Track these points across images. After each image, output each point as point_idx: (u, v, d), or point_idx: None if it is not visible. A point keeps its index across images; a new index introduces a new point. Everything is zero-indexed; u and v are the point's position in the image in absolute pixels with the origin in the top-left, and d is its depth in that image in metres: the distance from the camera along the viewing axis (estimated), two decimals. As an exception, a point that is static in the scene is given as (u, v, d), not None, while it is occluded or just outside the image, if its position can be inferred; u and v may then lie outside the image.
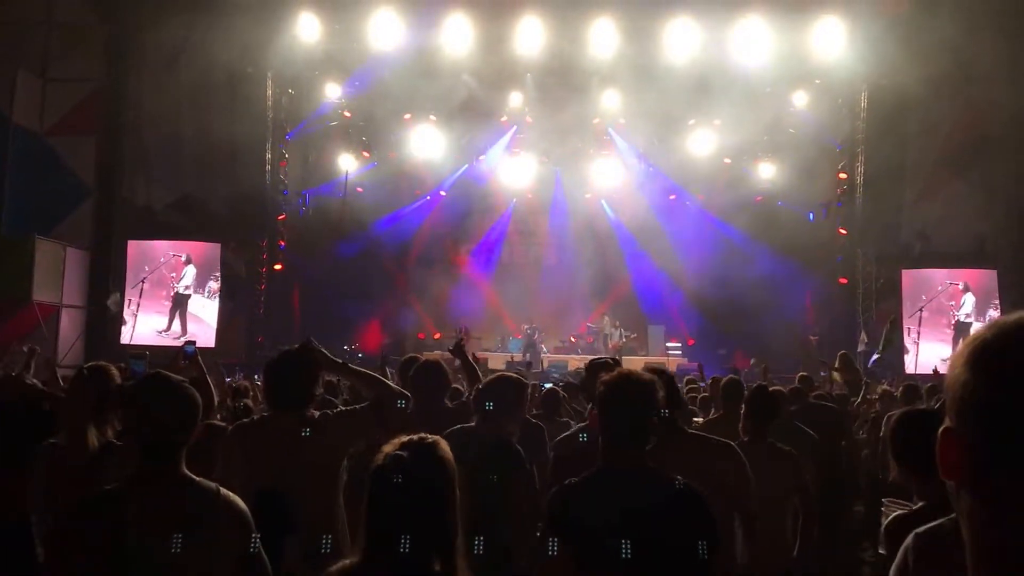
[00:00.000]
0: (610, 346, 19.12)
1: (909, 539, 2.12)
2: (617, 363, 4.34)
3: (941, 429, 1.01)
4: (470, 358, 5.29)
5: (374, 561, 2.07)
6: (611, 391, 2.76)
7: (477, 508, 3.54)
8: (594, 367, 4.23)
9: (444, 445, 2.18)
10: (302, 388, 3.55)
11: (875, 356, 15.91)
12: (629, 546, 2.49)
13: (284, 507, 3.17)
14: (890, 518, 2.86)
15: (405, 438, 2.17)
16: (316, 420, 3.53)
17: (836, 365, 11.52)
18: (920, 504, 2.80)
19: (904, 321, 17.45)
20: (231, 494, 2.66)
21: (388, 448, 2.15)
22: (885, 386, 9.55)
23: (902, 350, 17.27)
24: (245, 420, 3.83)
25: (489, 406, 3.99)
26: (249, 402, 5.94)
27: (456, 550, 2.10)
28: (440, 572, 2.06)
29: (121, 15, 17.63)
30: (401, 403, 3.79)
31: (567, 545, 2.58)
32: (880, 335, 15.91)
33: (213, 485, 2.65)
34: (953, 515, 2.08)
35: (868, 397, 8.61)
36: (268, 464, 3.33)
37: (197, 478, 2.65)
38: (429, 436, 2.19)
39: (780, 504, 4.45)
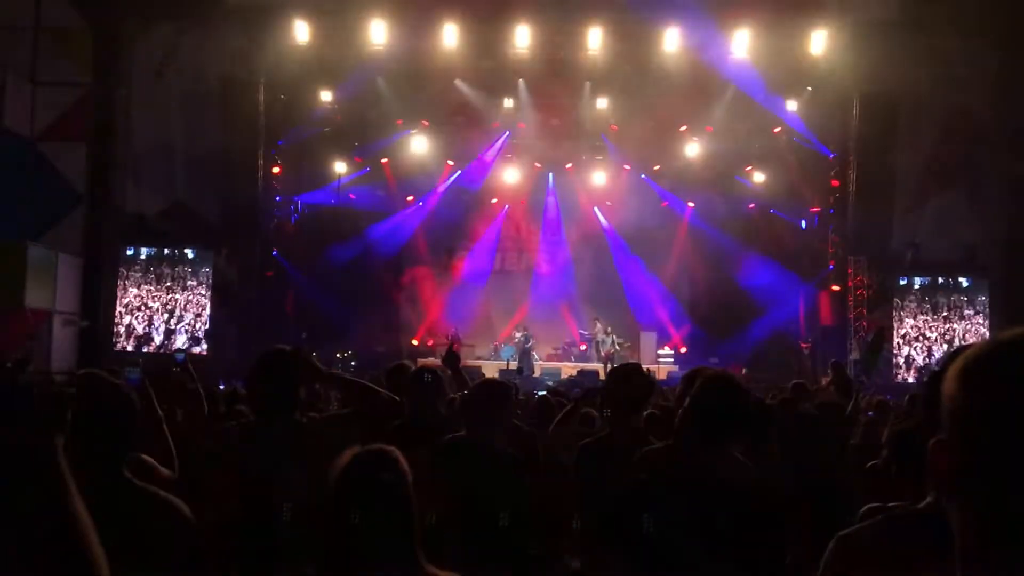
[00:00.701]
0: (602, 353, 19.12)
1: (832, 542, 2.14)
2: (644, 370, 4.35)
3: (934, 440, 1.05)
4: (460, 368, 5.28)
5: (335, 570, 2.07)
6: (710, 393, 2.75)
7: (475, 517, 3.55)
8: (623, 374, 4.24)
9: (399, 455, 2.18)
10: (287, 393, 3.50)
11: (852, 357, 16.01)
12: (695, 549, 2.50)
13: (274, 514, 3.15)
14: (863, 509, 2.87)
15: (360, 450, 2.16)
16: (306, 425, 3.50)
17: (828, 374, 11.56)
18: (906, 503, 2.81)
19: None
20: (172, 497, 2.64)
21: (343, 461, 2.15)
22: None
23: (889, 362, 17.33)
24: (232, 425, 3.78)
25: (474, 412, 3.97)
26: (244, 408, 5.90)
27: (417, 543, 2.11)
28: (407, 566, 2.07)
29: (111, 20, 17.57)
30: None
31: (630, 544, 2.59)
32: (866, 345, 15.99)
33: (153, 488, 2.61)
34: (881, 517, 2.14)
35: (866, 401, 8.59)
36: (258, 470, 3.30)
37: (139, 482, 2.63)
38: (388, 449, 2.18)
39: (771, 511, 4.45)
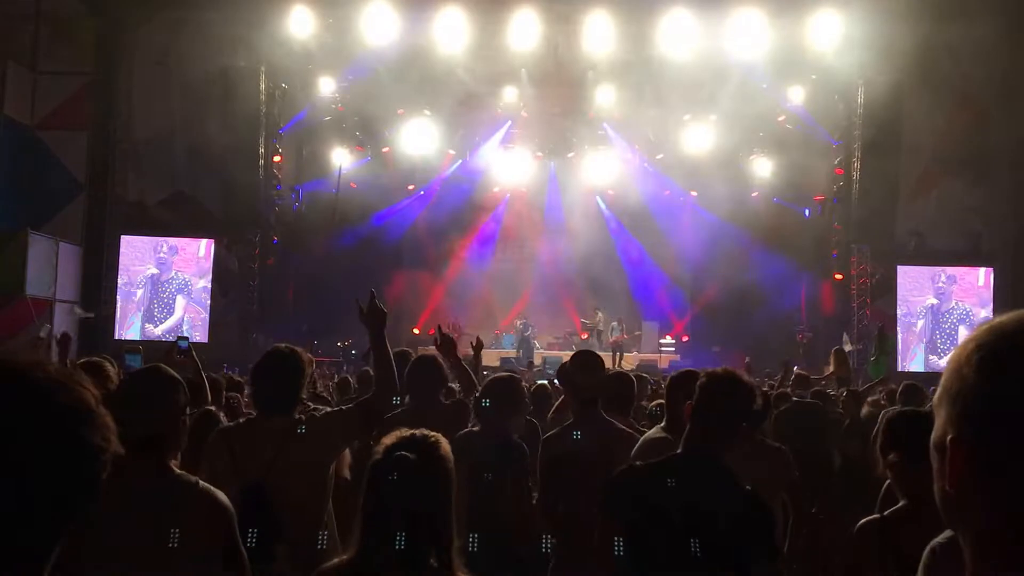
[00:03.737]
0: (611, 341, 19.07)
1: (927, 553, 2.12)
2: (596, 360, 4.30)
3: (950, 439, 0.97)
4: (459, 355, 5.24)
5: (370, 557, 2.05)
6: (715, 386, 2.77)
7: (484, 509, 3.54)
8: (581, 363, 4.21)
9: (445, 443, 2.16)
10: (290, 392, 3.50)
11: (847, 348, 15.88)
12: (687, 536, 2.52)
13: (272, 509, 3.14)
14: (859, 524, 2.84)
15: (407, 432, 2.14)
16: (303, 422, 3.49)
17: (830, 361, 11.51)
18: (901, 504, 2.78)
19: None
20: (212, 487, 2.65)
21: (388, 440, 2.12)
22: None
23: (895, 357, 17.23)
24: (231, 424, 3.78)
25: (489, 408, 3.97)
26: (239, 395, 5.89)
27: (452, 547, 2.08)
28: (437, 568, 2.04)
29: (111, 8, 17.52)
30: (396, 400, 3.79)
31: (623, 524, 2.59)
32: (871, 337, 15.89)
33: (194, 478, 2.64)
34: None
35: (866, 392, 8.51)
36: (256, 466, 3.29)
37: (178, 471, 2.64)
38: (431, 433, 2.16)
39: (770, 500, 4.43)
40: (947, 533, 2.18)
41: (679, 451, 2.78)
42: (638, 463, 2.78)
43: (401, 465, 2.04)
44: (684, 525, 2.52)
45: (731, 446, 2.80)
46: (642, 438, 3.89)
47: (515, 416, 4.03)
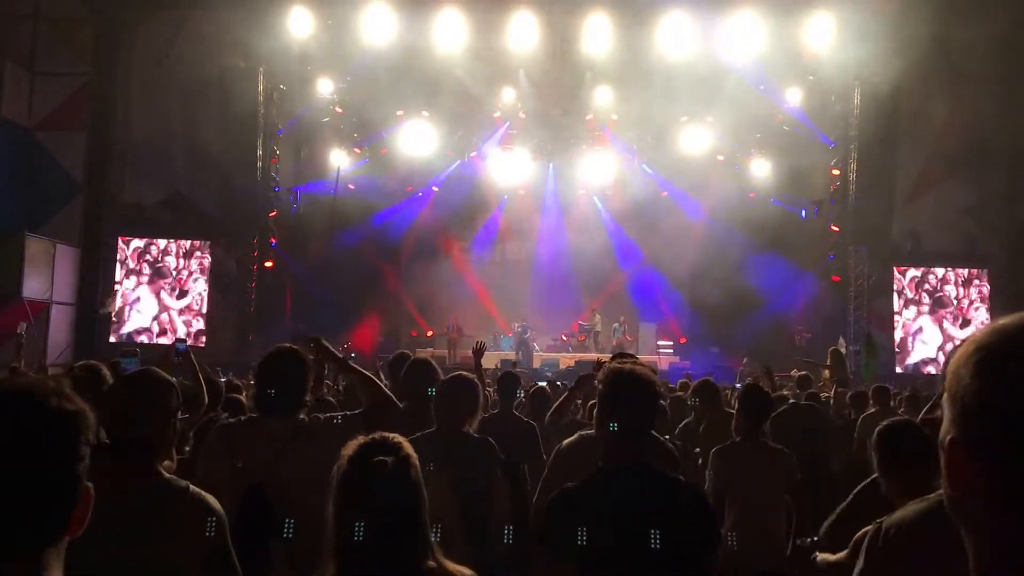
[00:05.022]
0: (614, 343, 19.06)
1: (877, 531, 2.07)
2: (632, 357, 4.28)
3: (948, 440, 0.97)
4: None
5: (353, 566, 2.04)
6: (617, 385, 2.66)
7: (464, 512, 3.52)
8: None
9: (407, 442, 2.15)
10: (293, 393, 3.46)
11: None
12: (633, 547, 2.44)
13: (271, 512, 3.11)
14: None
15: (367, 439, 2.13)
16: (306, 424, 3.45)
17: (827, 362, 11.52)
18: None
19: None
20: (202, 492, 2.62)
21: (349, 451, 2.11)
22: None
23: (887, 360, 17.23)
24: (231, 420, 3.72)
25: (443, 409, 3.94)
26: (241, 397, 5.86)
27: (433, 546, 2.08)
28: (425, 568, 2.03)
29: (110, 9, 17.51)
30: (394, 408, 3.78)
31: (568, 552, 2.48)
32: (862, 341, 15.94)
33: (184, 483, 2.61)
34: (917, 503, 2.08)
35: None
36: (256, 467, 3.26)
37: (168, 475, 2.61)
38: (389, 435, 2.15)
39: (774, 502, 4.43)
40: (900, 513, 2.15)
41: (603, 464, 2.65)
42: (569, 485, 2.66)
43: (378, 470, 2.03)
44: (634, 538, 2.45)
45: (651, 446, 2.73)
46: (577, 435, 3.81)
47: (471, 417, 3.98)
